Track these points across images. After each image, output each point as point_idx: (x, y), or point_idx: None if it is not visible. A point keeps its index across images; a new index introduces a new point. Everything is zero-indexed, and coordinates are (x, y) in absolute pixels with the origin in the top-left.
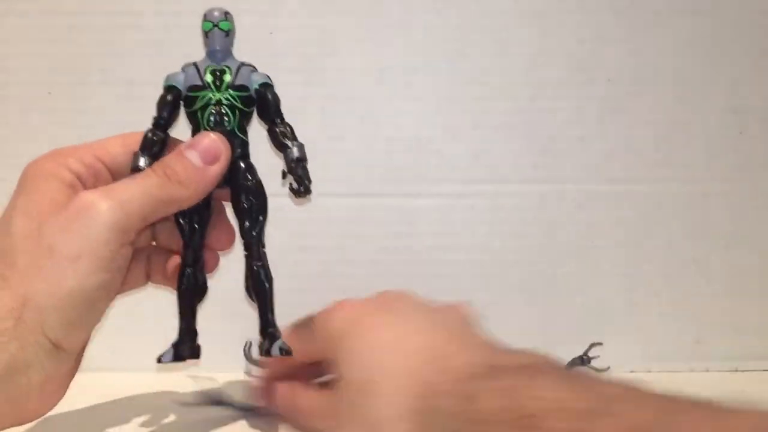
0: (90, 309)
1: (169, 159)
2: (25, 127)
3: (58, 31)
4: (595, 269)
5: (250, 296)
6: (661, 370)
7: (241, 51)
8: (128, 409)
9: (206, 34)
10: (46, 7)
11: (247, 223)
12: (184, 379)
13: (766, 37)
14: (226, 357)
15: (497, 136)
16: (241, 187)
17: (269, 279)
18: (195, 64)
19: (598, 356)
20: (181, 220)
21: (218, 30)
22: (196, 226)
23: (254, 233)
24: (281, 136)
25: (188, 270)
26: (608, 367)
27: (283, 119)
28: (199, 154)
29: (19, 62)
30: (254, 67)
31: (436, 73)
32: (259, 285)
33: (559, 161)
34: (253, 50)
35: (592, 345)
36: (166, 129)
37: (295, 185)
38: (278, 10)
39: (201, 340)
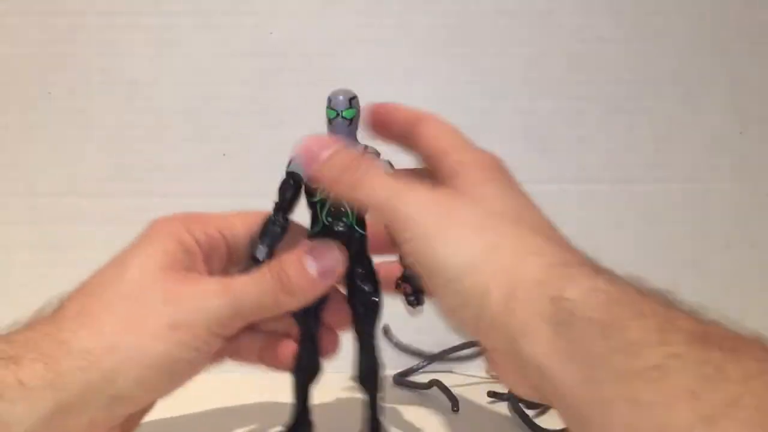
0: (167, 378)
1: (288, 263)
2: (25, 127)
3: (58, 31)
4: None
5: (361, 384)
6: None
7: (242, 51)
8: None
9: (330, 120)
10: (46, 7)
11: (360, 316)
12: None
13: (766, 37)
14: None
15: (498, 136)
16: (357, 281)
17: (380, 371)
18: None
19: None
20: (299, 318)
21: (342, 119)
22: (312, 312)
23: (367, 326)
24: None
25: (304, 353)
26: None
27: None
28: (317, 267)
29: (19, 62)
30: (377, 151)
31: (436, 73)
32: (370, 377)
33: (559, 161)
34: (254, 50)
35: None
36: (287, 214)
37: (411, 296)
38: (278, 10)
39: None
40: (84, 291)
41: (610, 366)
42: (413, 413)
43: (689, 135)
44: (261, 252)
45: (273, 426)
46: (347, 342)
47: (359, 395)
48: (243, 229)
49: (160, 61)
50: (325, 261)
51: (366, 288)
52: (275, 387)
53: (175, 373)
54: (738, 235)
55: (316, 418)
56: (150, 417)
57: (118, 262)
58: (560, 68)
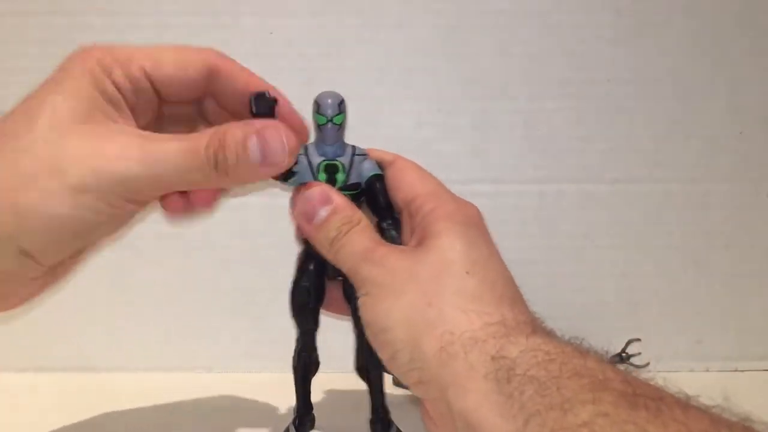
0: (75, 237)
1: (230, 144)
2: None
3: (58, 31)
4: (595, 269)
5: (362, 377)
6: (661, 370)
7: (242, 51)
8: (128, 409)
9: (319, 126)
10: (46, 7)
11: (354, 314)
12: (186, 379)
13: (766, 37)
14: (230, 357)
15: (497, 136)
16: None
17: (378, 366)
18: (307, 155)
19: (639, 353)
20: (299, 318)
21: (332, 124)
22: (314, 320)
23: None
24: (389, 240)
25: (303, 353)
26: (647, 364)
27: (392, 216)
28: (261, 154)
29: (19, 62)
30: (365, 155)
31: (436, 73)
32: (371, 371)
33: (559, 161)
34: (254, 50)
35: (630, 342)
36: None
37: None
38: (278, 10)
39: (206, 340)
40: None
41: (544, 421)
42: (413, 413)
43: (689, 135)
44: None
45: (273, 426)
46: (346, 339)
47: (358, 393)
48: (173, 70)
49: None
50: (273, 148)
51: None
52: (275, 387)
53: (84, 233)
54: (738, 235)
55: (319, 415)
56: (151, 417)
57: (29, 107)
58: (560, 68)
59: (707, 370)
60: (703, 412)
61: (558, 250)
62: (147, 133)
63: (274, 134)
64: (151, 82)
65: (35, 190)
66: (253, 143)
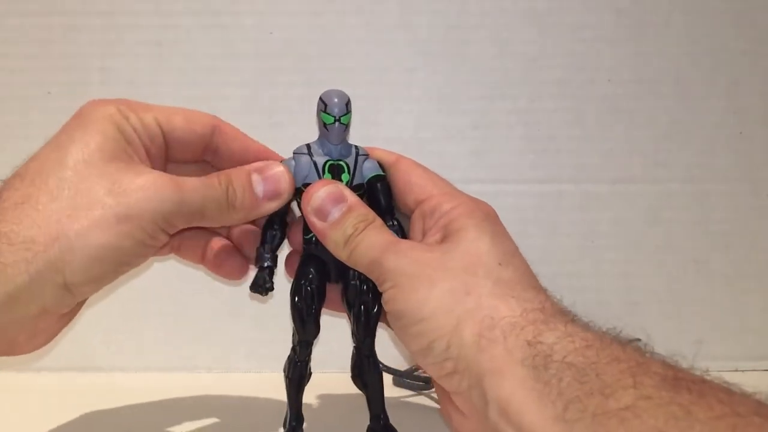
0: (113, 268)
1: (236, 178)
2: (25, 127)
3: (58, 31)
4: (595, 269)
5: (357, 384)
6: None
7: (242, 51)
8: (128, 409)
9: (325, 125)
10: (46, 7)
11: (357, 318)
12: (186, 379)
13: (766, 38)
14: (230, 357)
15: (497, 136)
16: (353, 284)
17: (378, 371)
18: (310, 153)
19: None
20: (302, 323)
21: (339, 124)
22: (316, 325)
23: (364, 329)
24: None
25: (300, 363)
26: None
27: (394, 217)
28: (264, 188)
29: (19, 62)
30: (367, 155)
31: (436, 73)
32: (369, 377)
33: (559, 161)
34: (254, 50)
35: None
36: (282, 219)
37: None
38: (278, 10)
39: (206, 340)
40: (23, 179)
41: (585, 407)
42: (413, 413)
43: (689, 135)
44: (265, 259)
45: (272, 426)
46: (343, 338)
47: (354, 394)
48: (182, 124)
49: (160, 61)
50: (273, 183)
51: (362, 286)
52: (275, 387)
53: (121, 263)
54: (738, 235)
55: (313, 417)
56: (151, 417)
57: (56, 146)
58: (560, 68)
59: (707, 370)
60: (747, 396)
61: (558, 250)
62: (166, 173)
63: (273, 171)
64: (163, 134)
65: (81, 219)
66: (255, 179)
